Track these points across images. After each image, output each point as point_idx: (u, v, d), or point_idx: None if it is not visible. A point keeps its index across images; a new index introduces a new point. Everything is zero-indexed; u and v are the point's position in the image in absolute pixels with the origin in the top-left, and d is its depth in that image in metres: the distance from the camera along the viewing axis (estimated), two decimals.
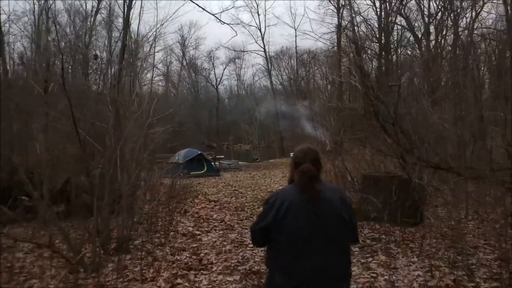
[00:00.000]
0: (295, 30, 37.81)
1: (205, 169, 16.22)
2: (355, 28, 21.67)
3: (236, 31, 9.34)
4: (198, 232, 6.40)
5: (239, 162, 22.29)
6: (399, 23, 23.02)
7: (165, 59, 41.90)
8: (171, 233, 6.30)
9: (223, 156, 22.78)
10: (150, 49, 26.92)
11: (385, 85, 8.80)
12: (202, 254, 5.22)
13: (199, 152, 16.91)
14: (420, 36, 20.78)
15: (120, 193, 5.56)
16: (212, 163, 17.67)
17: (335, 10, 27.19)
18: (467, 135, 7.02)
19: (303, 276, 1.85)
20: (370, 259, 4.77)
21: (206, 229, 6.69)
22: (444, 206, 7.67)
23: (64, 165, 7.94)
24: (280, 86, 41.41)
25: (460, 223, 6.11)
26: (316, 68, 36.21)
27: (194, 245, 5.62)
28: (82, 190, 6.94)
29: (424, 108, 7.48)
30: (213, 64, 46.41)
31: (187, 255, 5.17)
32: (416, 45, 21.52)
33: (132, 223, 5.62)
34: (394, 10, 22.01)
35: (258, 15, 44.17)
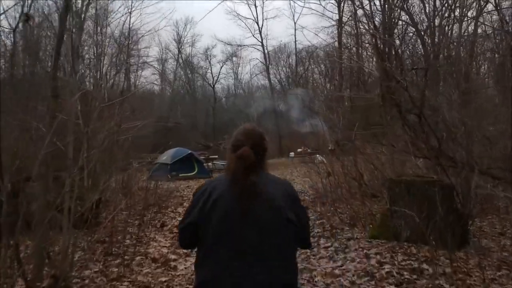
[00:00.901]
0: (295, 23, 36.26)
1: (196, 171, 14.69)
2: (357, 23, 20.42)
3: None
4: (173, 257, 4.85)
5: None
6: (402, 18, 21.79)
7: (160, 56, 40.34)
8: (138, 257, 4.76)
9: (216, 156, 21.17)
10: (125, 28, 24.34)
11: (408, 69, 7.31)
12: None
13: (190, 151, 15.37)
14: (423, 32, 19.59)
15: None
16: (205, 164, 16.13)
17: (335, 5, 25.91)
18: None
19: (232, 284, 1.50)
20: None
21: (185, 251, 5.15)
22: (481, 218, 6.18)
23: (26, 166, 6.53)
24: (278, 85, 40.00)
25: None
26: (314, 66, 34.77)
27: (164, 279, 4.07)
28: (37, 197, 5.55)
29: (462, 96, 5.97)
30: (209, 62, 44.77)
31: None
32: (419, 40, 20.35)
33: (75, 246, 4.07)
34: (397, 5, 20.82)
35: (256, 7, 42.31)
